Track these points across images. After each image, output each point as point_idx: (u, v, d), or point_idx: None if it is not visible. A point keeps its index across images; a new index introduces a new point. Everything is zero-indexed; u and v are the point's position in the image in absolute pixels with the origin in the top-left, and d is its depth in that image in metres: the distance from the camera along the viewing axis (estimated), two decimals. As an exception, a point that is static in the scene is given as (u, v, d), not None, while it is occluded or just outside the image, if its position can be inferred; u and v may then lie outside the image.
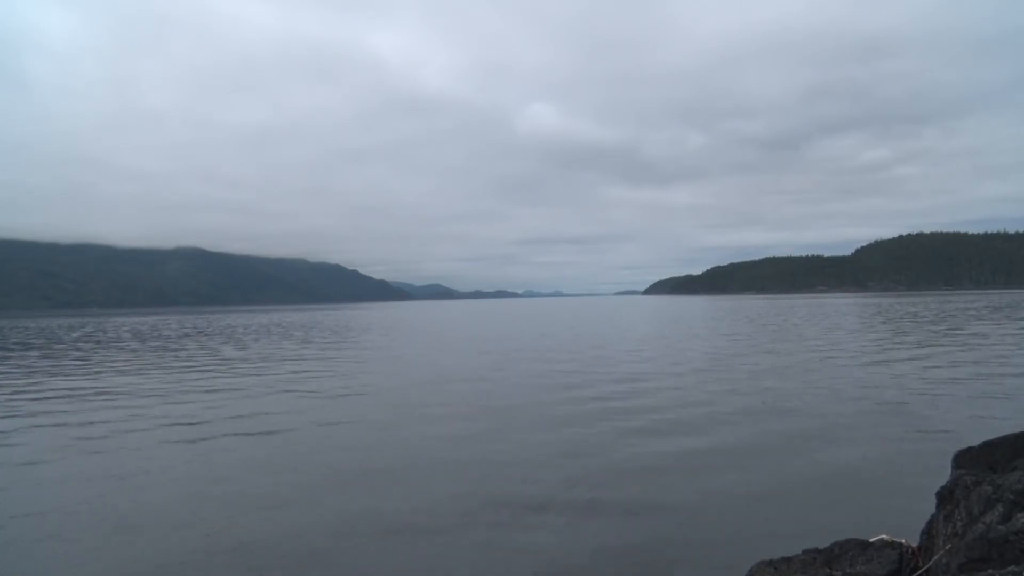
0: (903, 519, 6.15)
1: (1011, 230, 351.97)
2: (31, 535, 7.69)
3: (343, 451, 11.52)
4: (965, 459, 4.86)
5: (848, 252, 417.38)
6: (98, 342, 46.16)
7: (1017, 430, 4.91)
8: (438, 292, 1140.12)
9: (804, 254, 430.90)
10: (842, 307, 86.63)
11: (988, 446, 4.85)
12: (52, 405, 17.28)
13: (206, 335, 52.49)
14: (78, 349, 39.06)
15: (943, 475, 4.79)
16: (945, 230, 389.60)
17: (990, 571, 3.25)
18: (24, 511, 8.53)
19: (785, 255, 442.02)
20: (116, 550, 7.20)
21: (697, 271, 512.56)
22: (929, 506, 4.40)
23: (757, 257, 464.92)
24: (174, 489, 9.36)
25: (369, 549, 7.09)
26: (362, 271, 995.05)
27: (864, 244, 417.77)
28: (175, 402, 17.38)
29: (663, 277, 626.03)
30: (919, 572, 3.96)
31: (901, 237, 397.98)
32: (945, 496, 4.16)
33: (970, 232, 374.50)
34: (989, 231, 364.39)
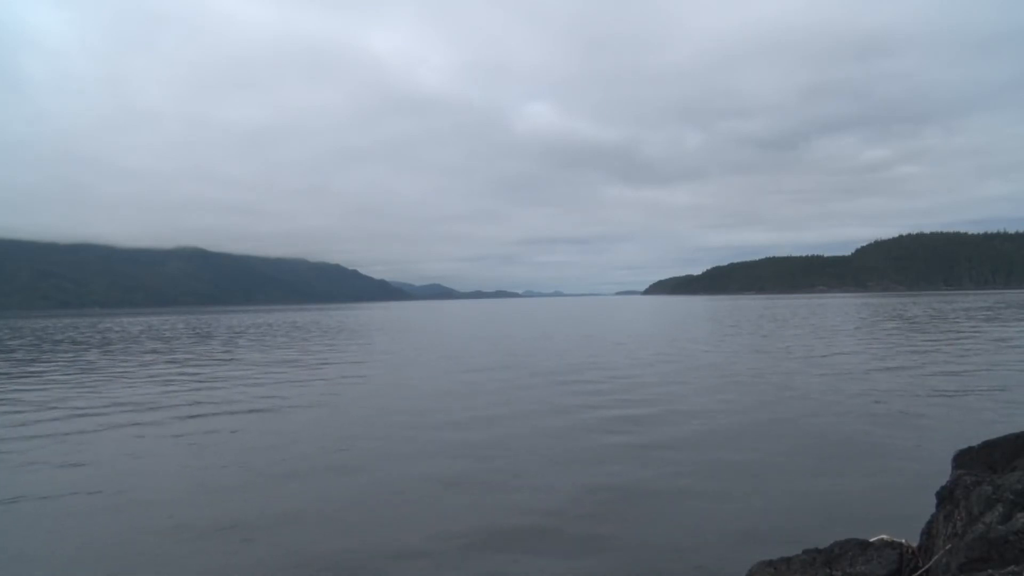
0: (903, 519, 6.15)
1: (1011, 230, 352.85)
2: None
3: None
4: (965, 459, 4.87)
5: (848, 252, 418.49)
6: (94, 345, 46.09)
7: (1017, 430, 4.92)
8: (438, 292, 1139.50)
9: (804, 254, 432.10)
10: (841, 307, 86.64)
11: (988, 446, 4.85)
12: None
13: (217, 337, 52.46)
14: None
15: (943, 475, 4.79)
16: (945, 230, 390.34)
17: (990, 571, 3.25)
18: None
19: (785, 255, 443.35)
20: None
21: (697, 271, 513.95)
22: (929, 506, 4.40)
23: (757, 257, 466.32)
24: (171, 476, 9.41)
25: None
26: (362, 271, 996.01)
27: (864, 244, 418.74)
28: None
29: (663, 277, 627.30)
30: (919, 572, 3.96)
31: (901, 237, 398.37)
32: (945, 496, 4.16)
33: (970, 232, 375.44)
34: (989, 231, 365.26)
